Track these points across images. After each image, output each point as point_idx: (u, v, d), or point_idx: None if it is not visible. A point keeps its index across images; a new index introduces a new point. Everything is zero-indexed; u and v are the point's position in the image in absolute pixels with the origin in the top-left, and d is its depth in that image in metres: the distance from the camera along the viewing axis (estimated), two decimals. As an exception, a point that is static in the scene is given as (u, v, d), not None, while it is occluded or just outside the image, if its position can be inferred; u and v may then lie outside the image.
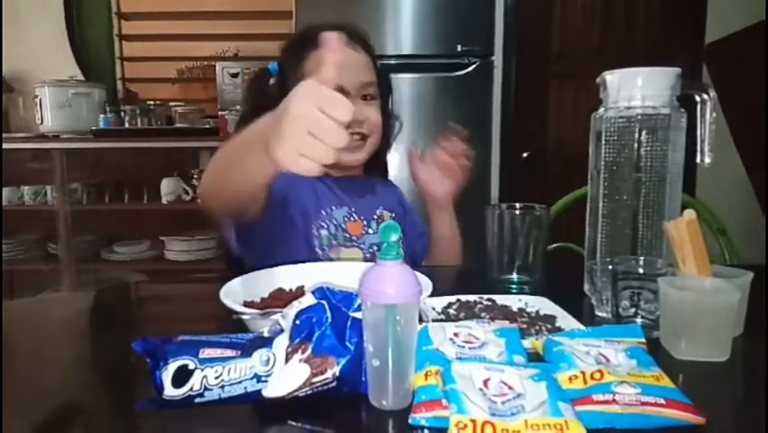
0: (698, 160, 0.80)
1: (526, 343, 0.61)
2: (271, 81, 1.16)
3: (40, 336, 0.79)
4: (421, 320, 0.66)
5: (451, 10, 2.39)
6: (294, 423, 0.51)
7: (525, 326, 0.69)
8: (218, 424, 0.51)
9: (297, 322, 0.50)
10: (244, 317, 0.64)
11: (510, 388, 0.49)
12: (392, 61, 2.36)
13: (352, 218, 1.14)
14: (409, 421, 0.49)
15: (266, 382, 0.49)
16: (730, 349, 0.66)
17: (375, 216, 1.17)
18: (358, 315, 0.51)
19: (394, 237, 0.51)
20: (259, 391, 0.49)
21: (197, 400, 0.49)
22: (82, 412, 0.59)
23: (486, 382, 0.49)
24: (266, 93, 1.15)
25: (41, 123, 2.79)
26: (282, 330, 0.51)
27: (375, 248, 1.14)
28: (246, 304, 0.75)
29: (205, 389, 0.48)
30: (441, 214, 1.19)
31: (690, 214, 0.72)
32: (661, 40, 2.77)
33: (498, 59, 2.47)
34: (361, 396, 0.53)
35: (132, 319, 0.93)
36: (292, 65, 1.12)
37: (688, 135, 0.78)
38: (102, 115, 2.82)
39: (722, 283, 0.68)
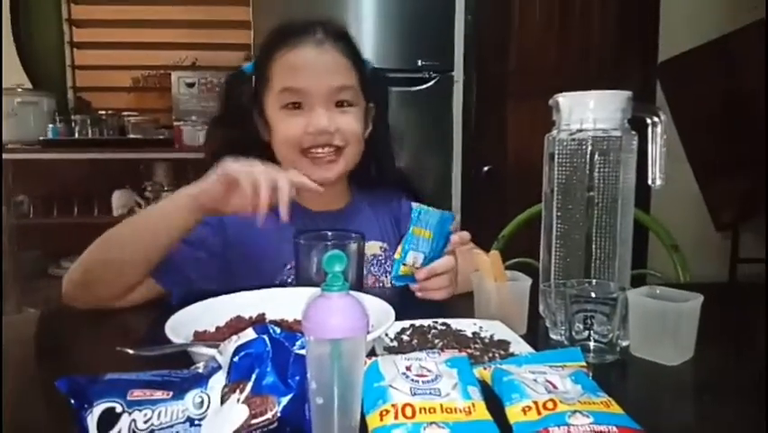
0: (649, 182, 0.81)
1: (475, 372, 0.59)
2: (246, 85, 1.09)
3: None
4: (373, 354, 0.64)
5: (411, 24, 2.40)
6: (232, 467, 0.48)
7: (478, 353, 0.68)
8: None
9: (236, 359, 0.47)
10: (192, 349, 0.60)
11: (429, 371, 0.55)
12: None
13: None
14: None
15: (200, 425, 0.46)
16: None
17: None
18: (302, 352, 0.49)
19: (338, 268, 0.49)
20: (193, 436, 0.46)
21: (126, 445, 0.45)
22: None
23: (408, 368, 0.56)
24: (239, 94, 1.09)
25: (-15, 132, 2.68)
26: (219, 367, 0.48)
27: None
28: (198, 333, 0.71)
29: (134, 434, 0.45)
30: None
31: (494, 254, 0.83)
32: (615, 58, 2.85)
33: (458, 73, 2.49)
34: (305, 434, 0.50)
35: (77, 344, 0.87)
36: (261, 64, 1.06)
37: (640, 155, 0.79)
38: (51, 125, 2.73)
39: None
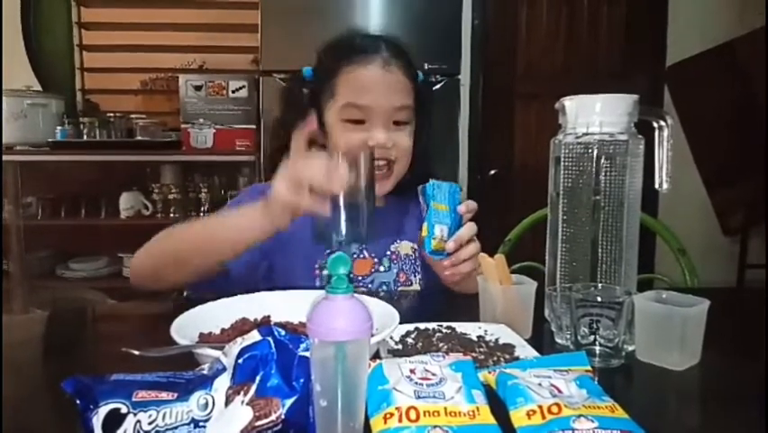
0: (656, 186, 0.80)
1: (480, 376, 0.59)
2: (305, 88, 1.13)
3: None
4: (377, 357, 0.64)
5: (418, 28, 2.41)
6: (236, 468, 0.47)
7: (483, 356, 0.68)
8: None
9: (240, 361, 0.47)
10: (197, 350, 0.61)
11: (433, 374, 0.55)
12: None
13: (361, 255, 1.10)
14: None
15: (204, 427, 0.46)
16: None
17: (389, 252, 1.13)
18: (306, 354, 0.49)
19: (342, 270, 0.49)
20: (198, 437, 0.46)
21: (130, 446, 0.45)
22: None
23: (413, 371, 0.55)
24: (299, 98, 1.13)
25: (-5, 134, 2.69)
26: (224, 368, 0.48)
27: (385, 287, 1.10)
28: (204, 335, 0.71)
29: (139, 435, 0.45)
30: None
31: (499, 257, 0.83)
32: (623, 62, 2.84)
33: (464, 77, 2.49)
34: (308, 437, 0.50)
35: (83, 345, 0.88)
36: (324, 75, 1.09)
37: (647, 159, 0.79)
38: (59, 127, 2.73)
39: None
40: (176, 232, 0.96)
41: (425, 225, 0.92)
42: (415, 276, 1.15)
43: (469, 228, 0.94)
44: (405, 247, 1.15)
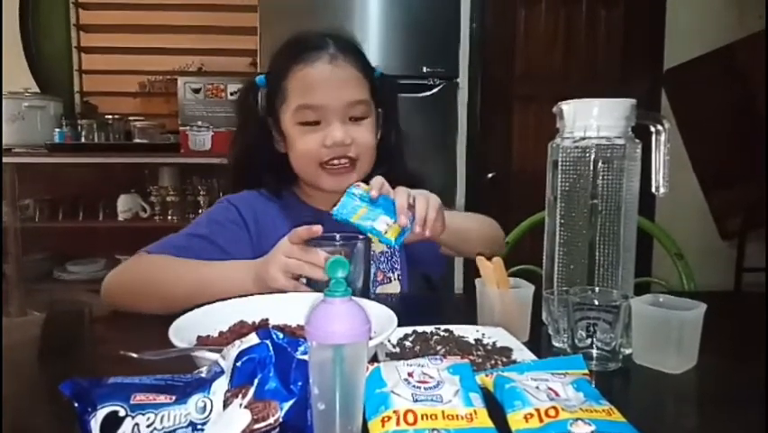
0: (653, 190, 0.81)
1: (477, 379, 0.59)
2: (260, 94, 1.11)
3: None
4: (375, 360, 0.64)
5: (416, 31, 2.41)
6: (234, 472, 0.48)
7: (480, 359, 0.68)
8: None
9: (238, 364, 0.48)
10: (195, 353, 0.61)
11: (431, 378, 0.56)
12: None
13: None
14: None
15: (202, 430, 0.46)
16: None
17: None
18: (304, 357, 0.49)
19: (341, 273, 0.49)
20: (196, 440, 0.46)
21: (128, 449, 0.45)
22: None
23: (410, 374, 0.56)
24: (254, 106, 1.11)
25: (-8, 135, 2.69)
26: (222, 371, 0.48)
27: None
28: (202, 338, 0.71)
29: (137, 438, 0.45)
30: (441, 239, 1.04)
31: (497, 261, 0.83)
32: (621, 65, 2.84)
33: (462, 80, 2.50)
34: (306, 440, 0.50)
35: (81, 347, 0.89)
36: (276, 78, 1.07)
37: (644, 163, 0.79)
38: (57, 129, 2.74)
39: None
40: (160, 272, 0.94)
41: (371, 236, 0.89)
42: (393, 272, 1.14)
43: (401, 194, 0.90)
44: (380, 245, 1.13)
